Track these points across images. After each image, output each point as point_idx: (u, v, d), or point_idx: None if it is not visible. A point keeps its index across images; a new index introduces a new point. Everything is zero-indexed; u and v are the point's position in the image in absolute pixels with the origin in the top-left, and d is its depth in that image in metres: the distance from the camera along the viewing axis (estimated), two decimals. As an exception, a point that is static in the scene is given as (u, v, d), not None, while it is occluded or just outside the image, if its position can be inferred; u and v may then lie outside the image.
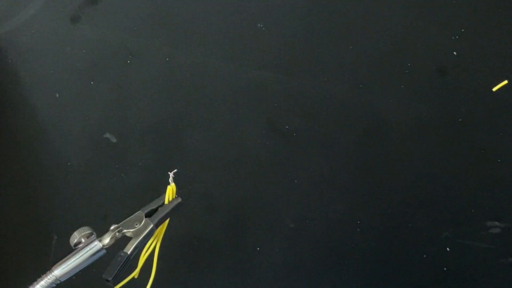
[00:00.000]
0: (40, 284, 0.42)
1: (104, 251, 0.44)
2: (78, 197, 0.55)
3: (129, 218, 0.46)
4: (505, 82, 0.49)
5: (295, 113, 0.52)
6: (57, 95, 0.51)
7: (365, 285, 0.58)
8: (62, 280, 0.43)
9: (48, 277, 0.43)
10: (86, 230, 0.45)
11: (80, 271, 0.44)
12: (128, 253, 0.44)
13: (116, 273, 0.44)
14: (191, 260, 0.58)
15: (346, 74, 0.50)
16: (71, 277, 0.44)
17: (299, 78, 0.51)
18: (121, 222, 0.46)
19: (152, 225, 0.46)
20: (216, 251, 0.57)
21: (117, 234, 0.45)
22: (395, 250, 0.55)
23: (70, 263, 0.43)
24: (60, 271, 0.43)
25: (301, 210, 0.55)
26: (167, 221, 0.48)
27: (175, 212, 0.48)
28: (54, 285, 0.43)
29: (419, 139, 0.52)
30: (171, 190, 0.48)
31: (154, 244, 0.48)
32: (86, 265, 0.44)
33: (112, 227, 0.46)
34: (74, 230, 0.45)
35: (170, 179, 0.47)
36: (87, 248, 0.44)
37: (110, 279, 0.43)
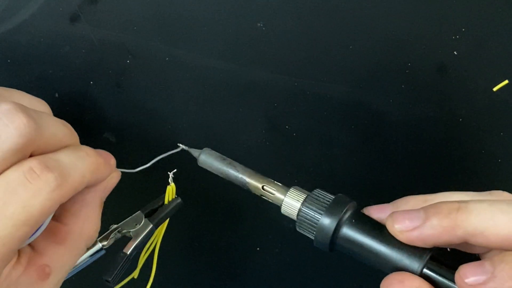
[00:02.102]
0: (39, 284, 0.42)
1: (103, 251, 0.44)
2: (78, 197, 0.55)
3: (128, 218, 0.47)
4: (506, 82, 0.49)
5: (295, 113, 0.52)
6: (57, 95, 0.51)
7: (365, 285, 0.58)
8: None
9: (48, 277, 0.42)
10: (85, 230, 0.45)
11: (79, 271, 0.44)
12: (128, 253, 0.45)
13: (115, 273, 0.44)
14: (191, 260, 0.58)
15: (346, 74, 0.50)
16: (70, 277, 0.44)
17: (299, 78, 0.51)
18: (121, 222, 0.47)
19: (151, 225, 0.46)
20: (216, 251, 0.57)
21: (116, 234, 0.45)
22: (395, 250, 0.55)
23: (70, 263, 0.43)
24: (59, 271, 0.43)
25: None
26: (167, 221, 0.48)
27: (175, 212, 0.48)
28: (54, 285, 0.43)
29: (419, 139, 0.52)
30: (171, 190, 0.48)
31: (154, 244, 0.48)
32: (85, 265, 0.44)
33: (112, 227, 0.46)
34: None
35: (170, 179, 0.47)
36: (86, 248, 0.44)
37: (109, 279, 0.43)
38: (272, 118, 0.52)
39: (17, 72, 0.51)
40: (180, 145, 0.45)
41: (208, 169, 0.43)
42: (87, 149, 0.40)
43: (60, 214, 0.39)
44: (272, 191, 0.40)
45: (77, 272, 0.44)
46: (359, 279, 0.58)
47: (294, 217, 0.40)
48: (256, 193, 0.41)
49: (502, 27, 0.48)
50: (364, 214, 0.38)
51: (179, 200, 0.48)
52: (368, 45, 0.49)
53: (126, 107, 0.53)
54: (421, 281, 0.34)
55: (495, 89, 0.49)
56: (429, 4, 0.48)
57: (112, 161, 0.42)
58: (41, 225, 0.37)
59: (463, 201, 0.35)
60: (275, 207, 0.55)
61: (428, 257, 0.35)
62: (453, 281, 0.33)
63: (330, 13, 0.49)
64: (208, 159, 0.43)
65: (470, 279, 0.32)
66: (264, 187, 0.41)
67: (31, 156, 0.35)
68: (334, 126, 0.52)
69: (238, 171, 0.41)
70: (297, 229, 0.39)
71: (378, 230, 0.36)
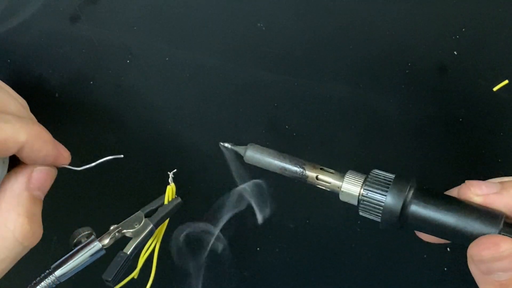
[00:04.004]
0: (39, 284, 0.42)
1: (103, 251, 0.45)
2: (78, 197, 0.55)
3: (128, 218, 0.47)
4: (506, 82, 0.49)
5: (295, 113, 0.52)
6: (57, 95, 0.51)
7: (365, 285, 0.58)
8: (61, 281, 0.43)
9: (48, 277, 0.43)
10: (85, 230, 0.45)
11: (79, 271, 0.44)
12: (128, 253, 0.45)
13: (115, 273, 0.44)
14: (191, 260, 0.58)
15: (346, 74, 0.50)
16: (70, 277, 0.44)
17: (299, 78, 0.51)
18: (121, 222, 0.47)
19: (151, 225, 0.46)
20: (216, 251, 0.57)
21: (116, 234, 0.45)
22: (395, 250, 0.55)
23: (70, 263, 0.43)
24: (59, 271, 0.43)
25: (301, 210, 0.55)
26: (167, 221, 0.48)
27: (175, 212, 0.48)
28: (54, 286, 0.43)
29: (419, 139, 0.52)
30: (171, 190, 0.48)
31: (154, 244, 0.48)
32: (85, 265, 0.44)
33: (111, 227, 0.46)
34: (74, 230, 0.45)
35: (170, 179, 0.47)
36: (86, 248, 0.44)
37: (109, 279, 0.43)
38: (272, 118, 0.52)
39: (17, 72, 0.51)
40: (223, 144, 0.45)
41: (256, 164, 0.41)
42: (35, 121, 0.40)
43: None
44: (328, 179, 0.39)
45: (77, 272, 0.44)
46: (359, 279, 0.58)
47: (355, 202, 0.38)
48: (309, 183, 0.40)
49: (502, 27, 0.48)
50: (428, 189, 0.38)
51: (179, 200, 0.48)
52: (368, 45, 0.49)
53: (126, 107, 0.53)
54: None
55: (495, 89, 0.49)
56: (429, 4, 0.48)
57: (65, 152, 0.42)
58: None
59: None
60: (275, 208, 0.55)
61: (503, 220, 0.35)
62: None
63: (330, 13, 0.49)
64: (255, 154, 0.41)
65: None
66: (319, 177, 0.39)
67: None
68: (334, 126, 0.52)
69: (291, 164, 0.40)
70: (360, 213, 0.38)
71: (446, 202, 0.36)
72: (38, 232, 0.40)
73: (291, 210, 0.55)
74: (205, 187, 0.55)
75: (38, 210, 0.40)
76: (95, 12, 0.49)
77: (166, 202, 0.47)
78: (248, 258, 0.57)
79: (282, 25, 0.49)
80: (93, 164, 0.45)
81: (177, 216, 0.48)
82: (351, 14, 0.49)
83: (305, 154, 0.53)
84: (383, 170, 0.40)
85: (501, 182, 0.37)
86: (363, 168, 0.53)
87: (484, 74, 0.49)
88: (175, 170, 0.48)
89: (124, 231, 0.45)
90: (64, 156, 0.42)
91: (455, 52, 0.49)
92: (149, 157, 0.53)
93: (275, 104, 0.52)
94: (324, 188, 0.39)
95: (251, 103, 0.52)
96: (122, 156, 0.45)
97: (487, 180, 0.38)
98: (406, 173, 0.53)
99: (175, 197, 0.48)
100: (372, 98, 0.51)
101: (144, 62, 0.51)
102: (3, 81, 0.46)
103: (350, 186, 0.38)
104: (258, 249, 0.57)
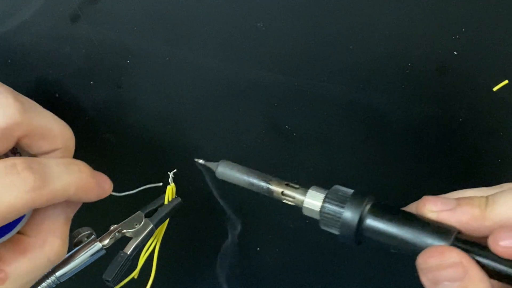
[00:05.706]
0: (40, 284, 0.43)
1: (104, 251, 0.45)
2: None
3: (128, 218, 0.47)
4: (506, 82, 0.49)
5: (295, 113, 0.52)
6: (57, 95, 0.51)
7: (365, 285, 0.58)
8: (61, 281, 0.43)
9: (48, 277, 0.43)
10: (86, 230, 0.45)
11: (79, 271, 0.44)
12: (128, 253, 0.45)
13: (116, 273, 0.44)
14: (191, 260, 0.58)
15: (346, 74, 0.50)
16: (70, 277, 0.44)
17: (299, 78, 0.51)
18: (121, 222, 0.47)
19: (152, 225, 0.46)
20: (216, 251, 0.57)
21: (116, 234, 0.46)
22: (395, 250, 0.55)
23: (70, 263, 0.44)
24: (59, 271, 0.43)
25: (301, 210, 0.55)
26: (167, 221, 0.48)
27: (175, 212, 0.48)
28: (54, 285, 0.43)
29: (419, 139, 0.52)
30: (171, 190, 0.48)
31: (154, 244, 0.48)
32: (86, 265, 0.44)
33: (112, 227, 0.46)
34: (74, 230, 0.45)
35: (170, 179, 0.48)
36: (87, 248, 0.44)
37: (109, 279, 0.43)
38: (272, 118, 0.52)
39: (17, 72, 0.51)
40: (197, 160, 0.45)
41: (227, 180, 0.43)
42: (82, 165, 0.40)
43: (24, 225, 0.39)
44: (292, 194, 0.40)
45: (77, 272, 0.44)
46: (359, 279, 0.58)
47: (317, 217, 0.40)
48: (275, 198, 0.41)
49: (502, 27, 0.48)
50: (385, 204, 0.38)
51: (179, 200, 0.48)
52: (368, 45, 0.49)
53: (126, 107, 0.53)
54: (459, 251, 0.34)
55: (495, 89, 0.49)
56: (429, 4, 0.48)
57: (107, 186, 0.42)
58: (7, 233, 0.37)
59: (490, 194, 0.36)
60: (275, 208, 0.55)
61: (454, 235, 0.35)
62: (481, 254, 0.34)
63: (330, 13, 0.49)
64: (226, 170, 0.43)
65: (505, 242, 0.33)
66: (284, 192, 0.41)
67: (17, 153, 0.36)
68: (334, 126, 0.52)
69: (258, 180, 0.41)
70: (321, 227, 0.40)
71: (401, 217, 0.37)
72: (65, 251, 0.41)
73: (291, 210, 0.55)
74: (205, 187, 0.55)
75: (68, 228, 0.41)
76: (95, 12, 0.49)
77: (166, 202, 0.47)
78: (248, 258, 0.57)
79: (282, 25, 0.49)
80: (134, 191, 0.47)
81: (177, 216, 0.48)
82: (351, 14, 0.49)
83: (305, 154, 0.53)
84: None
85: (457, 199, 0.37)
86: (363, 168, 0.53)
87: (484, 74, 0.49)
88: (175, 170, 0.48)
89: (124, 231, 0.45)
90: (106, 192, 0.42)
91: (455, 52, 0.49)
92: (149, 157, 0.53)
93: (275, 104, 0.52)
94: (289, 203, 0.41)
95: (251, 103, 0.52)
96: (161, 184, 0.48)
97: (444, 196, 0.39)
98: (406, 173, 0.53)
99: (175, 197, 0.48)
100: (372, 98, 0.51)
101: (144, 62, 0.51)
102: (3, 82, 0.46)
103: (312, 201, 0.39)
104: (258, 249, 0.57)
